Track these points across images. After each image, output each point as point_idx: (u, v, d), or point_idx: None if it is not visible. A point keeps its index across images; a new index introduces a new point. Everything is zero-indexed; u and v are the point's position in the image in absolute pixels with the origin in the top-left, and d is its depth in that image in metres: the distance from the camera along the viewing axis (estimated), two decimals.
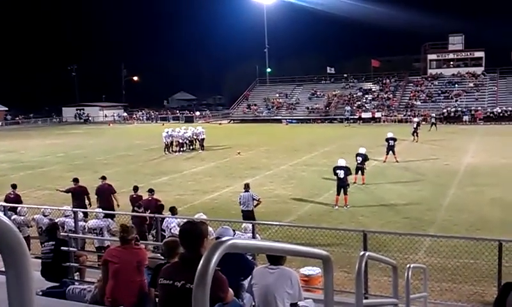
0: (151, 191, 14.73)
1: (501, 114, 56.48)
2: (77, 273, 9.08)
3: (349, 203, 17.92)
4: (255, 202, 14.83)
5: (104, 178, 17.05)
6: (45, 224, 11.48)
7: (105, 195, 16.03)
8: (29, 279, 1.35)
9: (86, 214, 13.24)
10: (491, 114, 57.12)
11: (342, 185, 17.90)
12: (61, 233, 9.35)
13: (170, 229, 11.59)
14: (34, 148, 40.54)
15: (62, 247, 8.40)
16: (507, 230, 13.36)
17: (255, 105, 72.99)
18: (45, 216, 12.83)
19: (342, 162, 18.42)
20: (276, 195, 20.10)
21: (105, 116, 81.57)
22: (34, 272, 1.42)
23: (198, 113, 77.74)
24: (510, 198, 18.37)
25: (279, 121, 65.88)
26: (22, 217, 12.69)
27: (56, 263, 8.14)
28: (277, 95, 74.11)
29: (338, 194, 17.97)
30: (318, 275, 8.94)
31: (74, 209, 12.34)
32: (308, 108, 68.54)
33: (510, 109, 56.89)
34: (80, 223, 12.04)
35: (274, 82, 79.55)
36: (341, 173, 17.91)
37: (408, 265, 6.56)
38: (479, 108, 59.07)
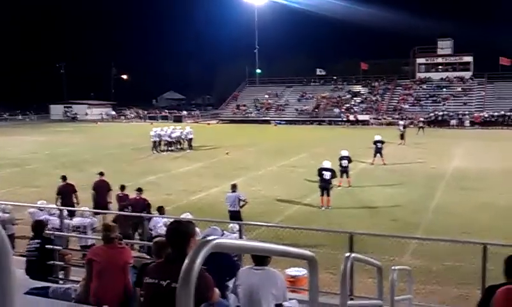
0: (139, 190, 14.64)
1: (488, 119, 56.95)
2: (62, 271, 9.02)
3: (331, 204, 18.01)
4: (242, 202, 14.85)
5: (101, 173, 16.86)
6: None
7: (102, 191, 15.95)
8: (11, 278, 1.34)
9: (71, 213, 13.13)
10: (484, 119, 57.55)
11: (326, 186, 18.04)
12: (46, 231, 9.27)
13: (157, 229, 11.55)
14: (20, 145, 40.19)
15: (47, 246, 8.34)
16: (494, 234, 13.46)
17: (244, 105, 73.03)
18: (41, 211, 12.72)
19: (327, 164, 18.57)
20: (264, 196, 20.12)
21: (86, 114, 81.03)
22: (17, 270, 1.41)
23: (185, 113, 77.43)
24: (496, 202, 18.53)
25: (268, 122, 65.99)
26: (7, 215, 12.57)
27: (41, 261, 8.08)
28: (266, 96, 74.21)
29: (322, 195, 18.12)
30: (304, 276, 8.96)
31: (60, 207, 12.26)
32: (297, 109, 68.70)
33: (497, 113, 57.39)
34: (66, 221, 11.96)
35: (263, 83, 79.67)
36: (327, 174, 18.07)
37: (392, 267, 6.60)
38: (467, 112, 59.56)
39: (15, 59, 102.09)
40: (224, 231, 9.99)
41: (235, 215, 14.34)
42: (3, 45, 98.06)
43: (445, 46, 72.29)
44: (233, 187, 15.17)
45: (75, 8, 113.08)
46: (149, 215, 12.42)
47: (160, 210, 13.00)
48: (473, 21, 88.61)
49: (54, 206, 13.27)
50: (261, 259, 4.87)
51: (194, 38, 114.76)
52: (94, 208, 14.96)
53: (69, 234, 11.58)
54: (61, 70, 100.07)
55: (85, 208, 13.22)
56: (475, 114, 58.10)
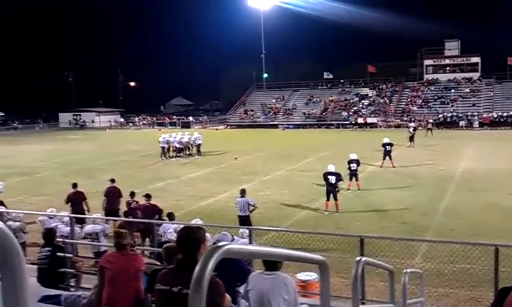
0: (148, 196, 14.69)
1: (497, 119, 56.65)
2: (74, 279, 9.05)
3: (340, 208, 17.91)
4: (251, 207, 14.86)
5: (112, 180, 17.02)
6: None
7: (113, 197, 16.13)
8: (24, 286, 1.35)
9: (81, 220, 13.18)
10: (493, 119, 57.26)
11: (332, 190, 17.94)
12: (63, 240, 9.34)
13: (167, 234, 11.57)
14: (30, 153, 40.43)
15: (58, 253, 8.37)
16: (503, 235, 13.38)
17: (252, 110, 73.10)
18: (50, 218, 12.79)
19: (332, 168, 18.47)
20: (273, 200, 20.10)
21: (93, 121, 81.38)
22: (29, 278, 1.41)
23: (191, 119, 77.32)
24: (506, 203, 18.42)
25: (276, 126, 66.00)
26: (18, 223, 12.63)
27: (52, 269, 8.11)
28: (274, 100, 74.23)
29: (328, 199, 17.97)
30: (315, 281, 8.93)
31: (70, 215, 12.30)
32: (304, 113, 68.67)
33: (506, 114, 57.09)
34: (76, 229, 12.01)
35: (271, 88, 79.72)
36: (332, 179, 17.94)
37: (404, 270, 6.57)
38: (475, 113, 59.29)
39: (24, 68, 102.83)
40: (235, 237, 9.99)
41: (244, 220, 14.35)
42: (12, 55, 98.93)
43: (452, 47, 72.09)
44: (242, 192, 15.20)
45: (82, 16, 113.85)
46: (159, 221, 12.44)
47: (170, 216, 13.01)
48: (479, 22, 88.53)
49: (65, 213, 13.32)
50: (272, 264, 4.86)
51: (201, 43, 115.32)
52: (105, 214, 15.15)
53: (81, 241, 11.64)
54: (70, 78, 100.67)
55: (97, 214, 13.26)
56: (484, 115, 57.77)
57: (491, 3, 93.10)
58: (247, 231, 10.49)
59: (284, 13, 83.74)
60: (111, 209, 15.83)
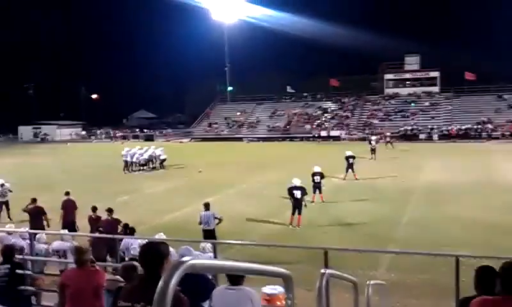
0: (110, 211, 14.44)
1: (462, 132, 58.08)
2: (34, 297, 8.80)
3: (301, 223, 17.83)
4: (217, 220, 14.74)
5: (67, 193, 17.28)
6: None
7: (69, 210, 16.48)
8: None
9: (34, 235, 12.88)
10: (447, 132, 58.77)
11: (298, 205, 17.86)
12: (22, 256, 9.07)
13: (130, 250, 11.37)
14: None
15: (17, 271, 8.13)
16: (464, 246, 13.65)
17: (216, 123, 73.07)
18: (9, 234, 12.43)
19: (297, 182, 18.34)
20: (238, 213, 20.02)
21: (46, 136, 79.93)
22: None
23: (151, 132, 76.72)
24: (466, 214, 18.83)
25: (240, 139, 66.07)
26: None
27: (11, 287, 7.86)
28: (238, 113, 74.39)
29: (294, 214, 17.89)
30: (280, 294, 8.90)
31: (30, 230, 12.00)
32: (268, 126, 69.01)
33: (464, 127, 58.62)
34: (42, 245, 11.71)
35: (235, 101, 79.96)
36: (298, 194, 17.84)
37: (368, 282, 6.62)
38: (435, 126, 60.69)
39: None
40: (196, 252, 9.89)
41: (209, 235, 14.18)
42: None
43: (412, 62, 73.84)
44: (207, 206, 15.04)
45: (43, 27, 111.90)
46: (121, 236, 12.23)
47: (132, 231, 12.83)
48: (439, 37, 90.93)
49: (24, 229, 12.97)
50: (236, 278, 4.83)
51: (165, 56, 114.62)
52: (62, 226, 15.14)
53: (46, 258, 11.36)
54: (29, 91, 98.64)
55: (64, 231, 12.92)
56: (452, 128, 59.11)
57: (450, 20, 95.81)
58: (208, 245, 10.41)
59: (248, 27, 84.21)
60: (67, 221, 15.98)
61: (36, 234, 11.94)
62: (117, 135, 77.32)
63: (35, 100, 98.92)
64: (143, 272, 3.96)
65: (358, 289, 6.13)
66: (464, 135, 57.19)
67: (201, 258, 8.46)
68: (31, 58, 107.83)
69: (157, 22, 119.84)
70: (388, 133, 52.91)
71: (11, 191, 20.41)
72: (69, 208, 16.61)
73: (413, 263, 10.52)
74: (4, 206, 19.79)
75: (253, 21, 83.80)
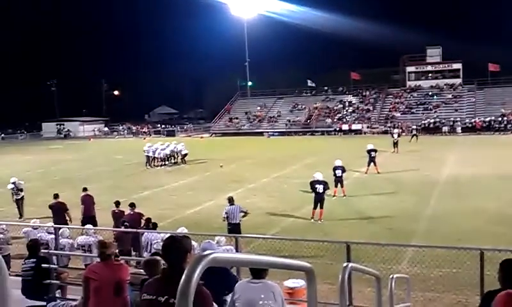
0: (132, 206, 14.61)
1: (486, 125, 57.18)
2: (59, 290, 8.95)
3: (323, 217, 17.76)
4: (242, 214, 14.72)
5: (85, 189, 17.77)
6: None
7: (87, 205, 16.99)
8: (6, 297, 1.32)
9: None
10: (470, 124, 57.95)
11: (320, 199, 17.80)
12: (47, 251, 9.24)
13: (152, 244, 11.48)
14: (13, 164, 39.97)
15: (43, 265, 8.27)
16: (488, 239, 13.49)
17: (237, 118, 73.12)
18: (35, 229, 12.69)
19: (319, 176, 18.19)
20: (259, 208, 20.06)
21: (69, 133, 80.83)
22: (13, 291, 1.39)
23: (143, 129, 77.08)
24: (490, 207, 18.59)
25: (261, 134, 66.04)
26: (1, 235, 12.48)
27: (37, 280, 8.01)
28: (258, 108, 74.33)
29: (315, 208, 17.81)
30: (302, 288, 8.91)
31: (54, 225, 12.21)
32: (289, 121, 68.83)
33: (488, 119, 57.74)
34: (67, 240, 11.91)
35: (255, 96, 79.85)
36: (320, 188, 17.76)
37: (391, 276, 6.58)
38: (458, 119, 59.91)
39: (6, 78, 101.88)
40: (221, 246, 9.95)
41: (235, 228, 14.07)
42: None
43: (434, 54, 72.82)
44: (231, 200, 14.93)
45: (65, 25, 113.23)
46: (143, 230, 12.35)
47: (154, 226, 12.97)
48: (461, 29, 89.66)
49: (49, 224, 13.22)
50: (258, 272, 4.84)
51: (186, 51, 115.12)
52: (82, 221, 15.77)
53: (71, 252, 11.57)
54: (53, 88, 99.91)
55: (89, 226, 13.11)
56: (477, 120, 58.23)
57: (472, 10, 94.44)
58: (223, 238, 10.45)
59: (268, 21, 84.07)
60: (87, 216, 16.43)
61: (60, 229, 12.15)
62: (143, 130, 77.78)
63: (58, 96, 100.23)
64: (166, 266, 3.99)
65: (380, 282, 6.09)
66: (488, 128, 56.33)
67: (221, 251, 8.49)
68: (54, 55, 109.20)
69: (177, 18, 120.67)
70: (414, 126, 52.39)
71: (21, 190, 20.38)
72: (88, 202, 17.07)
73: (437, 257, 10.42)
74: (19, 203, 20.02)
75: (272, 15, 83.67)
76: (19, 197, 20.06)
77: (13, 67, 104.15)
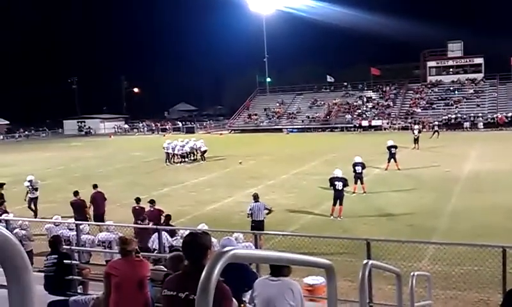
0: (152, 202, 14.73)
1: (500, 120, 56.43)
2: (81, 286, 9.06)
3: (342, 214, 17.68)
4: (266, 211, 14.70)
5: (95, 186, 17.90)
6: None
7: (98, 202, 17.13)
8: (31, 293, 1.34)
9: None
10: (492, 120, 57.16)
11: (339, 196, 17.72)
12: (70, 247, 9.36)
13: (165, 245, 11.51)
14: (35, 161, 40.53)
15: (65, 261, 8.37)
16: (510, 237, 13.31)
17: (256, 114, 73.14)
18: (56, 225, 12.86)
19: (338, 173, 18.08)
20: (278, 204, 20.03)
21: (91, 130, 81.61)
22: (36, 286, 1.40)
23: (166, 126, 77.18)
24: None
25: (280, 130, 65.99)
26: (24, 231, 12.67)
27: (59, 276, 8.11)
28: (277, 104, 74.26)
29: (335, 204, 17.74)
30: (322, 285, 8.90)
31: (76, 222, 12.36)
32: (308, 117, 68.65)
33: (510, 114, 56.91)
34: (87, 236, 12.05)
35: (274, 92, 79.76)
36: (339, 185, 17.66)
37: (411, 273, 6.53)
38: (480, 114, 59.16)
39: (28, 76, 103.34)
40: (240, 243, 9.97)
41: (259, 225, 14.03)
42: (14, 63, 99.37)
43: (455, 48, 71.93)
44: (256, 197, 14.88)
45: (85, 23, 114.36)
46: (165, 227, 12.44)
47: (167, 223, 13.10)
48: (482, 23, 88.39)
49: (70, 221, 13.39)
50: (277, 269, 4.84)
51: (204, 48, 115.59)
52: (94, 219, 16.10)
53: (92, 249, 11.70)
54: (73, 85, 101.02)
55: (110, 222, 13.24)
56: (499, 115, 57.43)
57: (493, 4, 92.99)
58: (241, 235, 10.47)
59: (286, 17, 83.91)
60: (97, 213, 16.67)
61: (81, 225, 12.30)
62: (166, 126, 78.04)
63: (79, 94, 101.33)
64: (186, 263, 4.01)
65: (401, 280, 6.05)
66: (511, 123, 55.50)
67: (241, 248, 8.51)
68: (75, 53, 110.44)
69: (196, 15, 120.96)
70: (436, 122, 51.84)
71: (36, 189, 20.12)
72: (99, 200, 17.18)
73: (458, 254, 10.32)
74: (32, 204, 19.75)
75: (291, 11, 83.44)
76: (34, 197, 19.85)
77: (35, 65, 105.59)
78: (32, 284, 1.36)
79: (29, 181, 20.01)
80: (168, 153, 34.85)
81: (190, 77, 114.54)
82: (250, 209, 14.63)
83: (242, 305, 5.41)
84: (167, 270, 6.35)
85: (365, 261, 3.86)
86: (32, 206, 19.69)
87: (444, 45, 72.67)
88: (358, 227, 16.40)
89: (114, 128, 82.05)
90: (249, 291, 5.27)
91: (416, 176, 25.68)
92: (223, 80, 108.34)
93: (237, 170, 30.56)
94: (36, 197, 19.91)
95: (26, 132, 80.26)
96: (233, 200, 21.03)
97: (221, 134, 66.68)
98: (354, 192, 21.16)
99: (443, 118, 58.87)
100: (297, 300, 4.81)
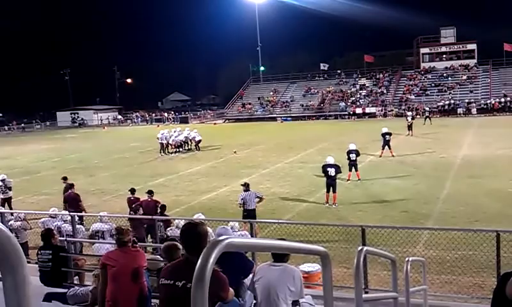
0: (150, 193, 14.69)
1: (495, 106, 56.58)
2: (76, 277, 9.05)
3: (337, 202, 17.72)
4: (257, 199, 14.70)
5: (66, 181, 17.45)
6: (54, 227, 11.40)
7: (71, 202, 15.88)
8: (26, 285, 1.34)
9: (81, 219, 13.27)
10: (485, 106, 57.29)
11: (332, 183, 17.74)
12: (59, 238, 9.31)
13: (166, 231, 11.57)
14: (29, 153, 40.39)
15: (60, 253, 8.35)
16: (504, 221, 13.40)
17: (250, 104, 73.00)
18: (52, 218, 12.82)
19: (331, 160, 18.13)
20: (273, 193, 20.10)
21: (101, 119, 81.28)
22: (31, 278, 1.40)
23: (165, 115, 76.42)
24: (506, 189, 18.44)
25: (274, 119, 65.91)
26: (19, 223, 12.64)
27: (55, 270, 8.07)
28: (271, 93, 74.13)
29: (328, 191, 17.77)
30: (318, 272, 8.94)
31: (71, 213, 12.33)
32: (302, 105, 68.60)
33: (503, 100, 57.06)
34: (80, 226, 12.04)
35: (267, 81, 79.59)
36: (332, 171, 17.67)
37: (406, 259, 6.56)
38: (473, 100, 59.27)
39: (20, 69, 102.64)
40: (235, 231, 9.99)
41: (251, 214, 14.04)
42: (6, 54, 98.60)
43: (448, 35, 71.89)
44: (247, 186, 14.88)
45: (77, 15, 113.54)
46: (161, 217, 12.45)
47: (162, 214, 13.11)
48: (475, 9, 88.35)
49: (65, 213, 13.35)
50: (280, 256, 4.89)
51: (197, 38, 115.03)
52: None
53: (85, 240, 11.68)
54: (66, 77, 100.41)
55: (103, 213, 13.15)
56: (494, 101, 57.51)
57: None
58: (237, 223, 10.49)
59: (279, 5, 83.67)
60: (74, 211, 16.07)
61: (78, 217, 12.28)
62: (169, 117, 77.48)
63: (71, 85, 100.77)
64: (183, 252, 4.03)
65: (396, 266, 6.09)
66: (503, 108, 55.66)
67: (235, 236, 8.53)
68: (66, 44, 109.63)
69: (188, 4, 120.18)
70: (427, 108, 51.96)
71: (10, 188, 18.89)
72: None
73: (452, 239, 10.37)
74: (6, 204, 18.10)
75: (283, 0, 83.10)
76: (7, 197, 18.50)
77: (27, 57, 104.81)
78: (28, 277, 1.35)
79: (1, 180, 18.64)
80: (162, 144, 34.77)
81: (183, 67, 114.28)
82: (242, 198, 14.59)
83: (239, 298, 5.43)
84: (163, 261, 6.37)
85: (359, 248, 3.87)
86: (7, 207, 17.86)
87: (437, 31, 72.63)
88: (352, 214, 16.46)
89: (108, 119, 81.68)
90: (250, 277, 5.30)
91: (410, 162, 25.75)
92: (216, 70, 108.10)
93: (232, 159, 30.55)
94: (10, 197, 18.69)
95: (22, 125, 79.77)
96: (229, 189, 21.04)
97: (215, 124, 66.57)
98: (348, 180, 21.21)
99: (437, 104, 58.95)
100: (297, 286, 4.85)
